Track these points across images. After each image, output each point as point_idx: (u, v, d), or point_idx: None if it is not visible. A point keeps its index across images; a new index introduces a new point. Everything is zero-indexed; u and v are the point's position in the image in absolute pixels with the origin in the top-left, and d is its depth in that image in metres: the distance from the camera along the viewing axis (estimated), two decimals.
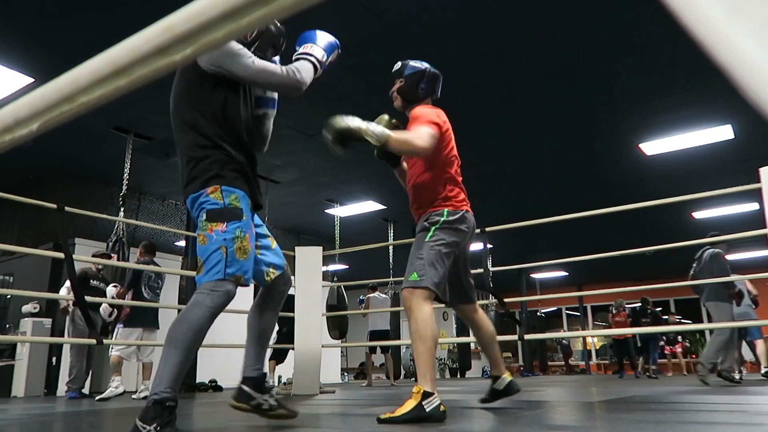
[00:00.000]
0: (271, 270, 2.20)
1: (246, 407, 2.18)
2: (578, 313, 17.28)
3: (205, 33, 0.39)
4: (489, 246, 5.22)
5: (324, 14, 4.32)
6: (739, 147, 6.86)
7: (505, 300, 4.82)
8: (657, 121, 6.29)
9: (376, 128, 2.46)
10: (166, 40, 0.40)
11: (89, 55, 0.45)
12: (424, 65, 2.94)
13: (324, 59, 2.42)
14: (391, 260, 10.13)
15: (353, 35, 4.65)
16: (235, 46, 2.07)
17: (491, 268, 5.18)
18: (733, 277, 5.37)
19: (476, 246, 11.81)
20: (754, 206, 8.96)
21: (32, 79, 5.00)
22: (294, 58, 2.36)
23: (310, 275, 5.28)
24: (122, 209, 6.24)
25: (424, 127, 2.58)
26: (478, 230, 4.94)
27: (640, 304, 9.62)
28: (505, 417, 2.58)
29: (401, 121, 2.80)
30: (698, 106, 5.91)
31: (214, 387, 7.72)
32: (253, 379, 2.22)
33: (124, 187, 6.44)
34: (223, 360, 8.55)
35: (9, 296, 8.26)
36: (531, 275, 15.62)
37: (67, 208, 3.85)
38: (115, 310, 5.66)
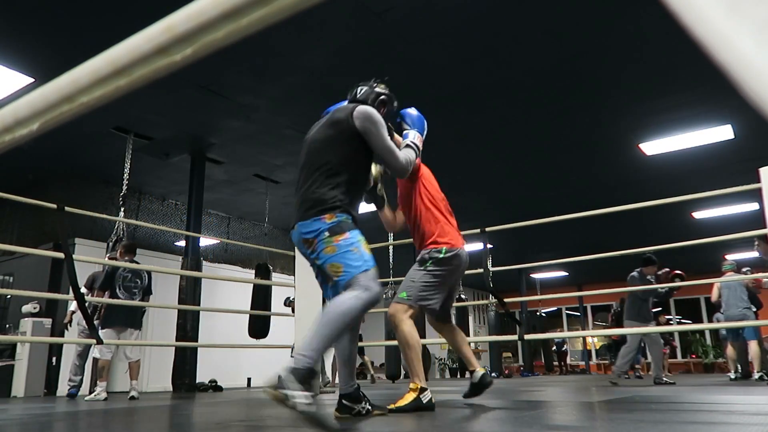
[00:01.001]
0: None
1: (349, 416, 2.52)
2: (578, 313, 17.28)
3: (205, 33, 0.39)
4: (489, 246, 5.22)
5: (324, 14, 4.32)
6: (739, 147, 6.86)
7: (505, 300, 4.83)
8: (657, 121, 6.29)
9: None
10: (166, 40, 0.40)
11: (89, 55, 0.45)
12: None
13: (421, 145, 2.76)
14: (391, 260, 10.13)
15: (353, 35, 4.65)
16: (381, 119, 2.50)
17: (491, 268, 5.18)
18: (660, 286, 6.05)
19: (476, 246, 11.92)
20: (754, 206, 8.95)
21: (32, 79, 5.00)
22: (404, 143, 2.74)
23: (310, 275, 5.26)
24: (122, 209, 6.23)
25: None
26: (477, 230, 4.98)
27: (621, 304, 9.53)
28: (505, 417, 2.58)
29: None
30: (698, 106, 5.91)
31: (214, 387, 7.71)
32: (350, 394, 2.55)
33: (124, 187, 6.43)
34: (223, 360, 8.56)
35: (9, 296, 8.25)
36: (531, 275, 15.62)
37: (67, 208, 3.85)
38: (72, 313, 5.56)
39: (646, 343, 6.71)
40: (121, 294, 5.35)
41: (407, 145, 2.71)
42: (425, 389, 2.79)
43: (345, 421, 2.41)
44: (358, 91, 2.87)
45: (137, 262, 5.65)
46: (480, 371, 3.16)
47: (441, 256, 2.95)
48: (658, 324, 6.33)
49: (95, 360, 5.43)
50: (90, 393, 5.43)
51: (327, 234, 2.22)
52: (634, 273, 6.33)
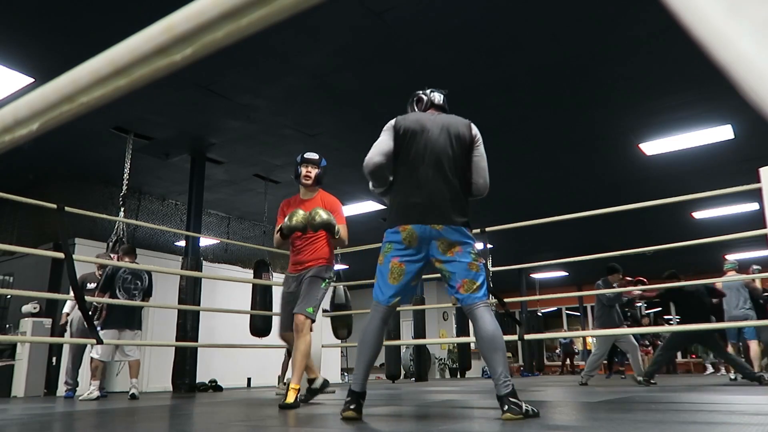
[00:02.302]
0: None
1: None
2: (578, 313, 17.28)
3: (205, 33, 0.39)
4: (489, 246, 5.23)
5: (324, 14, 4.33)
6: (739, 147, 6.86)
7: (505, 300, 4.83)
8: (657, 121, 6.29)
9: (324, 216, 3.30)
10: (166, 40, 0.40)
11: (89, 55, 0.45)
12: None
13: None
14: None
15: (353, 35, 4.65)
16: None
17: (491, 268, 5.18)
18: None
19: (476, 246, 11.72)
20: (754, 206, 8.96)
21: (32, 79, 5.00)
22: None
23: None
24: (122, 209, 6.23)
25: (344, 226, 3.54)
26: (477, 230, 4.98)
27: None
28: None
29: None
30: (698, 106, 5.91)
31: (214, 387, 7.72)
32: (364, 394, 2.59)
33: (124, 187, 6.43)
34: (223, 360, 8.55)
35: (9, 296, 8.25)
36: (531, 275, 15.61)
37: (67, 208, 3.85)
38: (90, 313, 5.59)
39: (623, 348, 6.87)
40: (121, 296, 5.35)
41: None
42: (299, 389, 3.33)
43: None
44: (442, 100, 2.91)
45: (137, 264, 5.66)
46: (321, 378, 3.76)
47: (333, 275, 3.61)
48: (640, 326, 6.43)
49: (91, 359, 5.45)
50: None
51: (475, 251, 2.46)
52: (599, 281, 6.61)
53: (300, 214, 3.29)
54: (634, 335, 7.81)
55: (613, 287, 6.39)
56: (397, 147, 2.63)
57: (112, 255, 5.79)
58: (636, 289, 6.57)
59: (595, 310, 6.66)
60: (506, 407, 2.22)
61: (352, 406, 2.41)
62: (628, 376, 9.78)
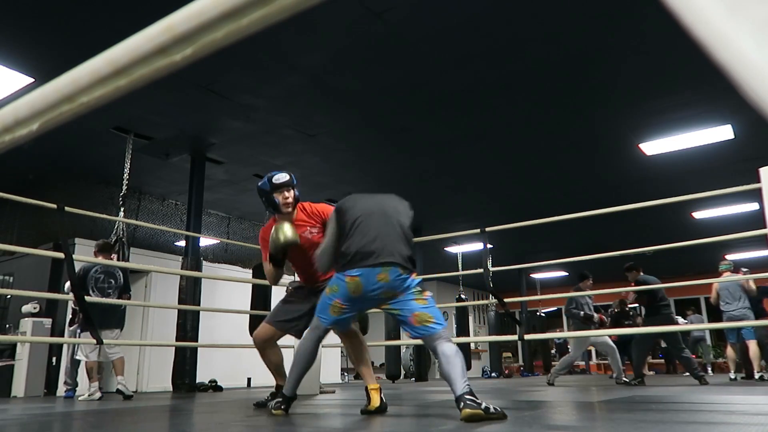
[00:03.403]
0: None
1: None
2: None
3: (205, 33, 0.39)
4: (489, 246, 5.23)
5: (324, 14, 4.32)
6: (739, 147, 6.86)
7: (505, 300, 4.83)
8: (657, 121, 6.29)
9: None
10: (166, 40, 0.40)
11: (89, 55, 0.45)
12: None
13: None
14: None
15: (353, 35, 4.65)
16: None
17: (491, 268, 5.18)
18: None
19: (476, 246, 11.78)
20: (754, 206, 8.95)
21: (32, 79, 5.00)
22: None
23: None
24: (122, 209, 6.23)
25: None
26: (478, 230, 4.98)
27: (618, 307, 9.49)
28: None
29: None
30: (698, 106, 5.91)
31: (214, 387, 7.71)
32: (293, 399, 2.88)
33: (124, 187, 6.43)
34: (223, 360, 8.55)
35: (9, 296, 8.25)
36: (531, 275, 15.61)
37: (67, 208, 3.85)
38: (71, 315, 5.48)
39: (602, 350, 7.02)
40: (95, 295, 5.23)
41: None
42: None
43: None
44: None
45: (113, 264, 5.55)
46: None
47: None
48: (593, 323, 6.64)
49: (85, 362, 5.40)
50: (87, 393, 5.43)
51: (418, 288, 2.75)
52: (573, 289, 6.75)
53: (286, 227, 3.03)
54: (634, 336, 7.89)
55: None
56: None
57: (112, 255, 5.78)
58: (625, 290, 6.68)
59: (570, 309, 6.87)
60: (462, 404, 2.35)
61: (282, 407, 2.79)
62: (628, 376, 9.79)
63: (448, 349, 2.62)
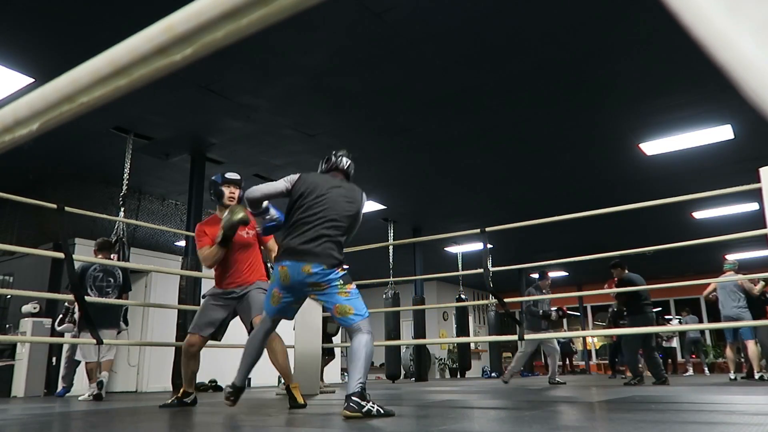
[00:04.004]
0: None
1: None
2: (578, 313, 17.28)
3: (205, 33, 0.39)
4: (489, 246, 5.23)
5: (324, 14, 4.32)
6: (739, 147, 6.86)
7: (505, 300, 4.83)
8: (657, 121, 6.29)
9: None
10: (166, 40, 0.40)
11: (89, 55, 0.45)
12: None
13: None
14: (391, 260, 10.13)
15: (353, 35, 4.65)
16: None
17: (491, 268, 5.18)
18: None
19: (476, 246, 11.78)
20: (754, 206, 8.95)
21: (32, 79, 5.00)
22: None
23: None
24: (122, 209, 6.22)
25: (273, 241, 3.76)
26: (478, 230, 4.98)
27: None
28: (505, 417, 2.58)
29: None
30: (698, 106, 5.91)
31: (214, 387, 7.72)
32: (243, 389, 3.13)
33: (124, 187, 6.43)
34: (223, 360, 8.55)
35: (9, 296, 8.25)
36: (531, 275, 15.61)
37: (67, 208, 3.85)
38: (61, 315, 5.46)
39: (545, 351, 7.31)
40: (93, 294, 5.18)
41: None
42: (190, 393, 3.69)
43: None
44: (349, 165, 3.24)
45: (120, 260, 5.47)
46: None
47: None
48: (551, 320, 6.97)
49: (85, 363, 5.39)
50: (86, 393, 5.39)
51: (341, 282, 2.86)
52: (531, 288, 7.07)
53: (240, 209, 3.39)
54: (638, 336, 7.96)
55: (543, 292, 6.80)
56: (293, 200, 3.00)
57: (112, 255, 5.78)
58: (595, 293, 6.80)
59: (525, 315, 7.25)
60: (346, 404, 2.55)
61: (232, 398, 3.05)
62: (627, 376, 9.85)
63: (356, 344, 2.75)
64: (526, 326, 7.07)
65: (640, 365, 6.76)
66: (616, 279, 6.48)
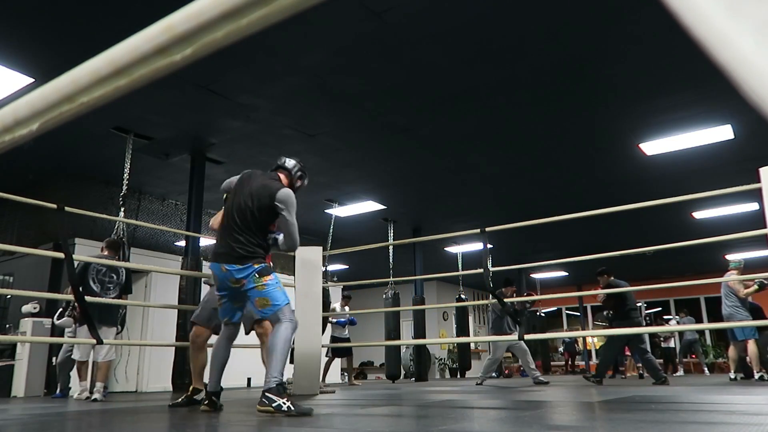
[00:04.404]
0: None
1: (213, 410, 3.10)
2: (578, 313, 17.28)
3: (205, 33, 0.39)
4: (489, 246, 5.23)
5: (324, 14, 4.32)
6: (739, 147, 6.86)
7: (505, 300, 4.83)
8: (657, 121, 6.29)
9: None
10: (166, 40, 0.40)
11: (89, 55, 0.45)
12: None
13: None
14: (391, 260, 10.13)
15: (353, 35, 4.65)
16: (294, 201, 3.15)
17: (491, 268, 5.18)
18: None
19: (476, 246, 11.80)
20: (754, 206, 8.95)
21: (32, 79, 5.00)
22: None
23: (310, 275, 5.27)
24: (122, 209, 6.22)
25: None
26: (478, 230, 4.99)
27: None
28: (505, 417, 2.58)
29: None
30: (698, 106, 5.91)
31: None
32: (218, 393, 3.22)
33: (124, 187, 6.43)
34: None
35: (9, 296, 8.25)
36: (531, 275, 15.62)
37: (67, 208, 3.85)
38: (61, 309, 5.37)
39: (516, 353, 7.47)
40: (95, 287, 5.09)
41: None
42: (199, 390, 3.72)
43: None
44: (284, 162, 3.51)
45: (121, 260, 5.41)
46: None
47: None
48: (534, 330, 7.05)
49: (78, 361, 5.30)
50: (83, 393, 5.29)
51: (257, 275, 2.94)
52: (498, 291, 7.00)
53: None
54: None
55: (501, 298, 7.06)
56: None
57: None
58: (594, 293, 6.93)
59: (490, 318, 7.44)
60: (259, 400, 2.67)
61: (206, 402, 3.15)
62: (626, 376, 9.92)
63: (274, 336, 2.85)
64: (491, 332, 7.42)
65: (638, 365, 6.85)
66: (601, 285, 6.57)
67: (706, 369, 11.89)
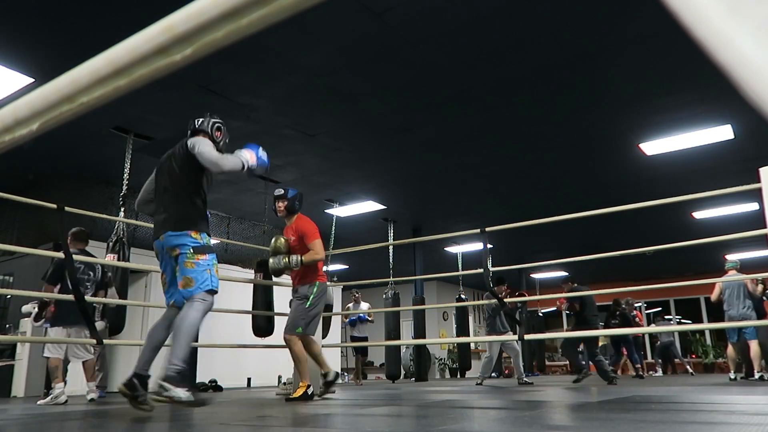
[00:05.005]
0: None
1: (130, 395, 2.92)
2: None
3: (205, 33, 0.39)
4: (489, 246, 5.23)
5: (324, 14, 4.32)
6: (739, 147, 6.86)
7: (505, 300, 4.83)
8: (657, 121, 6.29)
9: (294, 259, 4.12)
10: (166, 40, 0.40)
11: (89, 55, 0.45)
12: (296, 190, 4.42)
13: (252, 164, 3.23)
14: (391, 260, 10.13)
15: (353, 35, 4.65)
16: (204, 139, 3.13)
17: (491, 268, 5.18)
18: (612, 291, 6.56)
19: (476, 246, 11.76)
20: (754, 206, 8.95)
21: (32, 79, 5.00)
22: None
23: None
24: (122, 209, 6.23)
25: (318, 241, 4.20)
26: (477, 230, 5.00)
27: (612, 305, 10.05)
28: (505, 417, 2.58)
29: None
30: (698, 106, 5.91)
31: (214, 387, 7.72)
32: (143, 377, 2.95)
33: (124, 187, 6.43)
34: (223, 360, 8.55)
35: (9, 296, 8.25)
36: (531, 275, 15.61)
37: (67, 208, 3.85)
38: (37, 309, 5.12)
39: (508, 352, 7.73)
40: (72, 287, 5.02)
41: (234, 155, 3.16)
42: (310, 385, 4.10)
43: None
44: (196, 123, 3.36)
45: (90, 254, 5.24)
46: (332, 371, 4.31)
47: (315, 290, 4.12)
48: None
49: (46, 360, 5.04)
50: (46, 396, 4.88)
51: (191, 251, 2.84)
52: (488, 293, 7.39)
53: (270, 262, 4.26)
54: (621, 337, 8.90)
55: (499, 297, 7.15)
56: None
57: (111, 255, 5.77)
58: (563, 296, 7.25)
59: (486, 317, 7.65)
60: (156, 390, 2.60)
61: (124, 383, 2.94)
62: (618, 376, 9.93)
63: (180, 318, 2.73)
64: (486, 330, 7.64)
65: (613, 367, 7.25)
66: (565, 291, 7.18)
67: (690, 368, 11.92)
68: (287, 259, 4.12)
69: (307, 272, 4.20)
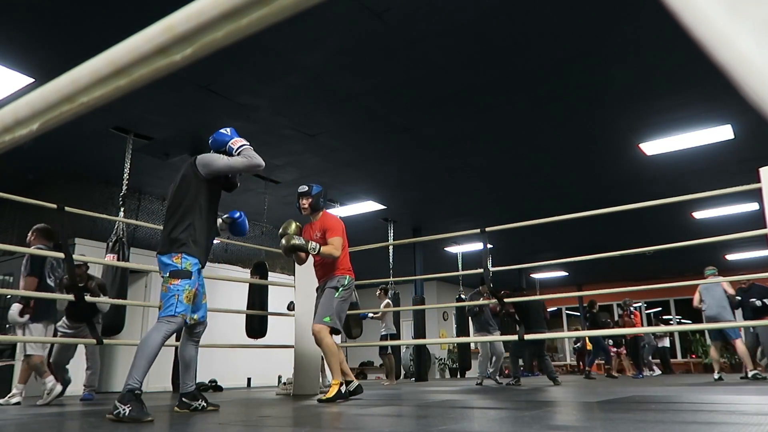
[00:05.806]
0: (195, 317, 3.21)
1: (188, 411, 3.13)
2: (578, 313, 17.28)
3: (205, 33, 0.39)
4: (489, 246, 5.23)
5: (324, 14, 4.32)
6: (739, 147, 6.86)
7: (505, 300, 4.84)
8: (657, 121, 6.29)
9: (312, 243, 3.97)
10: (166, 40, 0.40)
11: (89, 55, 0.45)
12: (320, 186, 4.37)
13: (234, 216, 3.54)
14: (391, 260, 10.13)
15: (353, 35, 4.65)
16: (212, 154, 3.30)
17: (491, 268, 5.18)
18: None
19: (476, 246, 11.73)
20: (754, 206, 8.96)
21: (32, 79, 5.00)
22: (237, 152, 3.26)
23: (311, 275, 5.27)
24: (122, 209, 6.23)
25: (338, 239, 4.10)
26: (478, 230, 5.02)
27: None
28: (505, 417, 2.58)
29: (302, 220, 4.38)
30: (698, 106, 5.91)
31: (214, 387, 7.72)
32: (189, 393, 3.22)
33: (124, 187, 6.43)
34: (223, 360, 8.55)
35: (9, 296, 8.25)
36: (531, 275, 15.61)
37: (67, 208, 3.85)
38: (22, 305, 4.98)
39: (493, 352, 7.74)
40: (51, 282, 4.96)
41: (240, 148, 3.23)
42: (342, 383, 3.89)
43: (184, 416, 2.95)
44: (211, 141, 3.41)
45: (121, 259, 5.25)
46: (355, 381, 4.11)
47: (346, 282, 4.05)
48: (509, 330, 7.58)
49: (27, 357, 4.98)
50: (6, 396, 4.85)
51: (167, 275, 2.95)
52: (474, 292, 7.56)
53: (282, 241, 4.02)
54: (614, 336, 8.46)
55: (483, 296, 7.23)
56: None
57: (111, 255, 5.77)
58: (594, 293, 7.27)
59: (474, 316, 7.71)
60: (113, 408, 2.62)
61: (178, 405, 3.21)
62: (617, 376, 9.96)
63: (143, 339, 2.83)
64: (475, 330, 7.67)
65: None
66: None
67: (656, 369, 11.97)
68: (304, 241, 3.98)
69: (332, 267, 4.10)
